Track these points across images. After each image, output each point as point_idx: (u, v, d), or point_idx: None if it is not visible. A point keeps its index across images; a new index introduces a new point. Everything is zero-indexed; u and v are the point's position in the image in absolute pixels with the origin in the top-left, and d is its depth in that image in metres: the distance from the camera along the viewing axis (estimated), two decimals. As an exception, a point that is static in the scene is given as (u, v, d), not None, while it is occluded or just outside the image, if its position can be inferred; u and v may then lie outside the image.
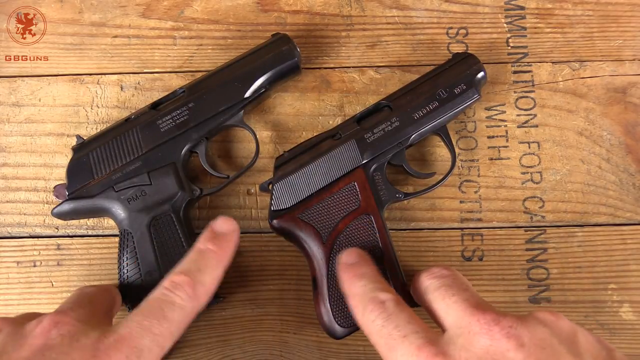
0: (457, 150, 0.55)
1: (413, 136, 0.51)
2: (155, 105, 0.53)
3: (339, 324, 0.48)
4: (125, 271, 0.49)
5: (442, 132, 0.52)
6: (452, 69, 0.52)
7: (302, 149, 0.51)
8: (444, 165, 0.55)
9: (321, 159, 0.50)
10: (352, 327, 0.47)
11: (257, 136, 0.54)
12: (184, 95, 0.52)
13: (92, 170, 0.50)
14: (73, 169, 0.51)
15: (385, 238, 0.49)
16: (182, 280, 0.41)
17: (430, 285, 0.42)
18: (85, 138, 0.52)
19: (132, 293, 0.49)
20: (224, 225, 0.46)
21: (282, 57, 0.52)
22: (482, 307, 0.38)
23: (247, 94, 0.52)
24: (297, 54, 0.52)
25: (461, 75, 0.52)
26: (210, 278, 0.43)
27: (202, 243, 0.44)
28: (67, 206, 0.50)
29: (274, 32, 0.54)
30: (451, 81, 0.51)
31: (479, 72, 0.52)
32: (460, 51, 0.57)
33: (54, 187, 0.51)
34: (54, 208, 0.50)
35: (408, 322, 0.39)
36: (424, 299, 0.43)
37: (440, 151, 0.55)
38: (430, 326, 0.39)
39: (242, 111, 0.52)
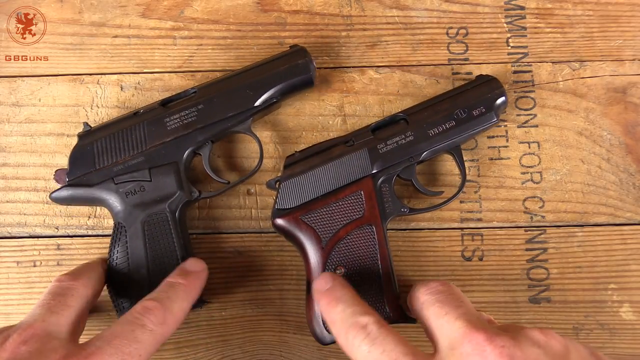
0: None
1: (425, 153, 0.51)
2: (165, 103, 0.52)
3: (328, 331, 0.47)
4: (115, 264, 0.49)
5: (455, 152, 0.52)
6: (474, 90, 0.52)
7: (313, 151, 0.51)
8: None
9: (331, 164, 0.50)
10: None
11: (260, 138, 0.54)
12: (194, 96, 0.52)
13: (95, 159, 0.50)
14: (76, 156, 0.51)
15: (385, 251, 0.49)
16: (153, 306, 0.43)
17: (426, 301, 0.42)
18: (92, 126, 0.52)
19: (117, 282, 0.49)
20: (194, 265, 0.48)
21: (297, 70, 0.52)
22: (475, 325, 0.38)
23: (258, 103, 0.52)
24: (312, 69, 0.52)
25: (482, 97, 0.51)
26: (179, 308, 0.45)
27: (173, 277, 0.47)
28: (65, 192, 0.50)
29: (292, 44, 0.54)
30: (471, 102, 0.51)
31: (500, 97, 0.52)
32: (461, 50, 0.57)
33: (55, 172, 0.51)
34: (52, 192, 0.51)
35: (396, 345, 0.38)
36: (420, 314, 0.43)
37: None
38: (420, 346, 0.39)
39: (251, 119, 0.52)
